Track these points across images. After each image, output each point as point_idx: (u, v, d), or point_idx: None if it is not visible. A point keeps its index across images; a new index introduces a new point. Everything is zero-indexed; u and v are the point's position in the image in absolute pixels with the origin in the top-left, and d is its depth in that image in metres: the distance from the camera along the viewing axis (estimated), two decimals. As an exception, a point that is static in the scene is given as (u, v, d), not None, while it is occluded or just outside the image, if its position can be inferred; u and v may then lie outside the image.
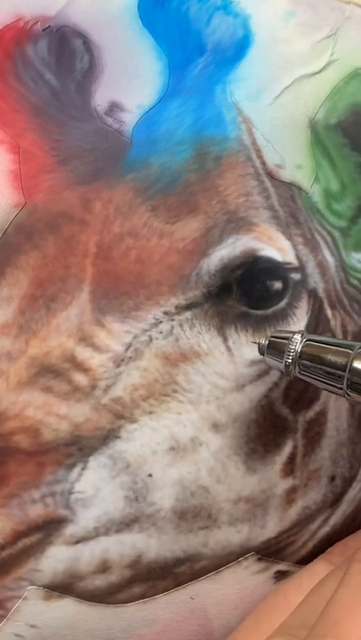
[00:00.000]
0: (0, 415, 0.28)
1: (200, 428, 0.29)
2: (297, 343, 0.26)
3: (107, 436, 0.28)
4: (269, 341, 0.27)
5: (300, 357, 0.26)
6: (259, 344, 0.28)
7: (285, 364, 0.26)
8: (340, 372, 0.25)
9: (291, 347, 0.26)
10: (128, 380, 0.28)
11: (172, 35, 0.30)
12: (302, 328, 0.29)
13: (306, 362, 0.26)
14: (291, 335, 0.27)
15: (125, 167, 0.29)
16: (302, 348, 0.26)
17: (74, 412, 0.28)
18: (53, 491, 0.28)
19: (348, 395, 0.25)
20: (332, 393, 0.26)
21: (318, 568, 0.29)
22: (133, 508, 0.28)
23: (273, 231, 0.30)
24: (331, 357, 0.26)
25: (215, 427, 0.29)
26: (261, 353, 0.27)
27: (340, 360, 0.25)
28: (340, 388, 0.25)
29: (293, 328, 0.29)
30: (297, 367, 0.26)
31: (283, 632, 0.25)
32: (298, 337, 0.26)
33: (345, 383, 0.25)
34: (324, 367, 0.26)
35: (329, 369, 0.26)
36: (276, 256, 0.30)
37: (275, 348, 0.27)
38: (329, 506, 0.30)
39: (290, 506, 0.30)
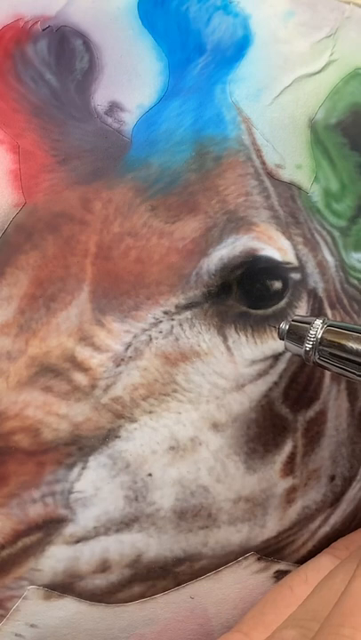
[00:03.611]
0: (0, 415, 0.28)
1: (200, 428, 0.29)
2: (318, 329, 0.26)
3: (107, 436, 0.28)
4: (290, 325, 0.26)
5: (320, 344, 0.26)
6: (279, 328, 0.27)
7: (305, 350, 0.26)
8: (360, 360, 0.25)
9: (311, 332, 0.26)
10: (128, 380, 0.28)
11: (171, 35, 0.30)
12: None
13: (326, 348, 0.25)
14: (312, 320, 0.26)
15: (125, 167, 0.29)
16: (323, 333, 0.26)
17: (74, 412, 0.28)
18: (53, 490, 0.28)
19: None
20: (352, 380, 0.26)
21: (324, 562, 0.29)
22: (133, 508, 0.28)
23: (273, 231, 0.30)
24: (352, 344, 0.25)
25: (215, 426, 0.29)
26: (281, 337, 0.27)
27: None
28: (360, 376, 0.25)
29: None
30: (317, 353, 0.26)
31: (293, 624, 0.24)
32: (319, 322, 0.26)
33: None
34: (344, 354, 0.25)
35: (350, 356, 0.25)
36: (276, 256, 0.30)
37: (295, 333, 0.26)
38: (329, 505, 0.30)
39: (290, 505, 0.30)
